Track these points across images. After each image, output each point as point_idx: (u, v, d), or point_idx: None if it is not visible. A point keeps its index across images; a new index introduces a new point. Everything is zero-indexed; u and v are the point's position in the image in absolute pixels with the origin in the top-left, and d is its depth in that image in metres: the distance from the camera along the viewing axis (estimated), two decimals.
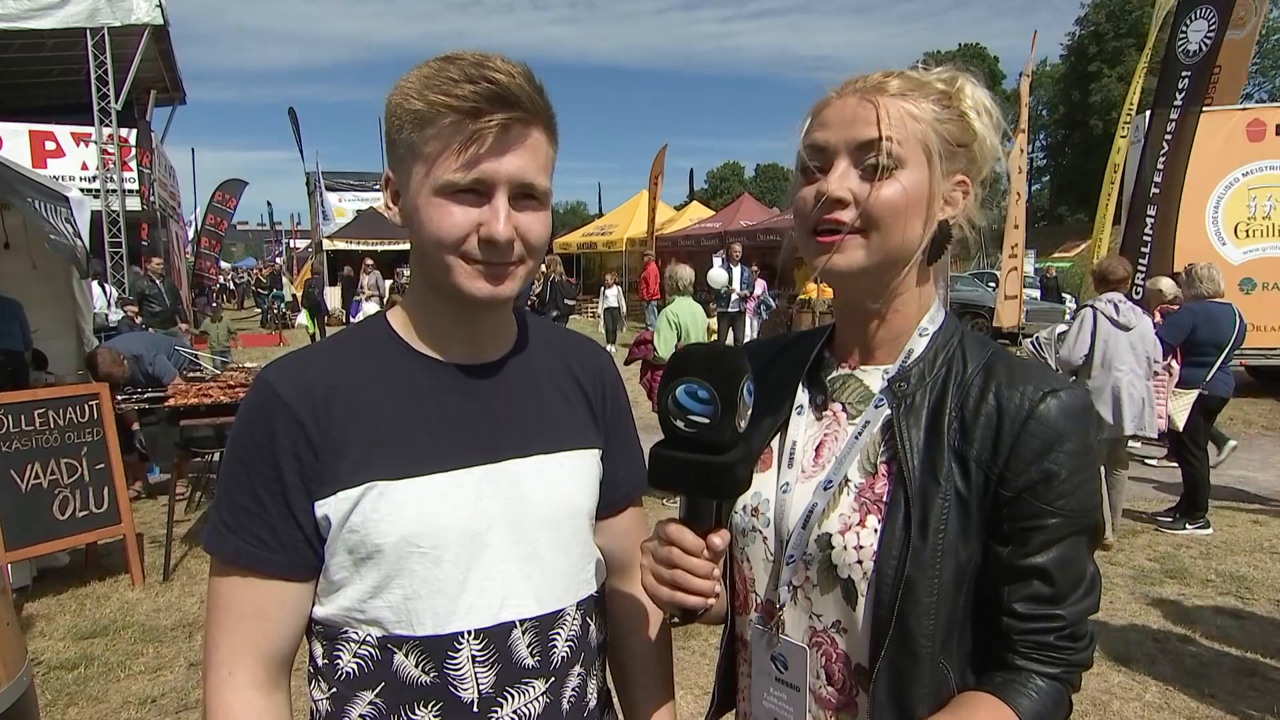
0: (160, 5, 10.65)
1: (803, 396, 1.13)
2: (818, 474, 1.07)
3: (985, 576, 0.98)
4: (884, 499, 1.00)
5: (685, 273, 7.06)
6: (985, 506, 0.97)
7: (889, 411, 1.03)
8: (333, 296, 22.11)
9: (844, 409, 1.09)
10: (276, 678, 1.05)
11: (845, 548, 1.00)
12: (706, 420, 0.92)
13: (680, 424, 0.93)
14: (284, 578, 1.03)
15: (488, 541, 1.05)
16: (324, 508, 1.01)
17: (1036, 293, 18.87)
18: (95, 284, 9.95)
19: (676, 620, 1.02)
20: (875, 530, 0.99)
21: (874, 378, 1.08)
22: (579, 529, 1.14)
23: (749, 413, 0.95)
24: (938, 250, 1.04)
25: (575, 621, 1.11)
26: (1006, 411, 0.97)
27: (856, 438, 1.05)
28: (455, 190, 0.99)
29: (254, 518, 1.01)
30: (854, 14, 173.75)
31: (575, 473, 1.14)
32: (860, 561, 0.99)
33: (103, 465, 5.03)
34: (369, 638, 1.03)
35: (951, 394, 1.01)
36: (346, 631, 1.04)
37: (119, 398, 5.71)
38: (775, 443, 1.13)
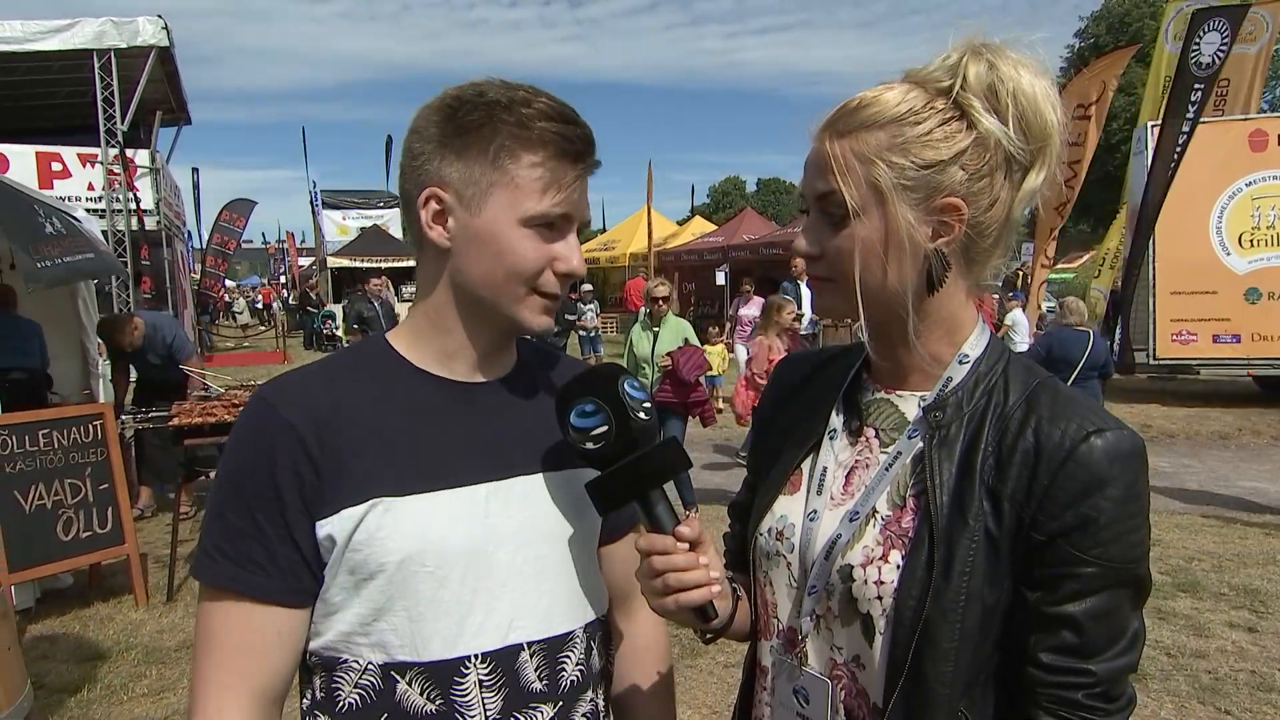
0: (166, 28, 10.74)
1: (836, 419, 1.08)
2: (846, 502, 1.02)
3: (1015, 622, 0.92)
4: (910, 534, 0.95)
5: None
6: (1018, 549, 0.91)
7: (922, 443, 0.98)
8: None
9: (877, 435, 1.04)
10: (269, 718, 1.01)
11: (866, 582, 0.96)
12: (605, 428, 0.97)
13: (589, 445, 0.99)
14: (280, 603, 0.98)
15: (495, 560, 1.02)
16: (326, 527, 0.98)
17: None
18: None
19: (709, 637, 1.04)
20: (897, 566, 0.94)
21: (910, 404, 1.03)
22: (586, 549, 1.12)
23: (646, 404, 1.01)
24: (936, 280, 0.96)
25: (583, 645, 1.09)
26: (1044, 449, 0.90)
27: (887, 469, 1.00)
28: (543, 223, 1.01)
29: (250, 541, 0.97)
30: (856, 29, 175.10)
31: (581, 491, 1.11)
32: (880, 598, 0.95)
33: (106, 485, 5.01)
34: (370, 665, 0.99)
35: (990, 427, 0.95)
36: (346, 660, 1.00)
37: (122, 417, 5.71)
38: (806, 465, 1.09)
